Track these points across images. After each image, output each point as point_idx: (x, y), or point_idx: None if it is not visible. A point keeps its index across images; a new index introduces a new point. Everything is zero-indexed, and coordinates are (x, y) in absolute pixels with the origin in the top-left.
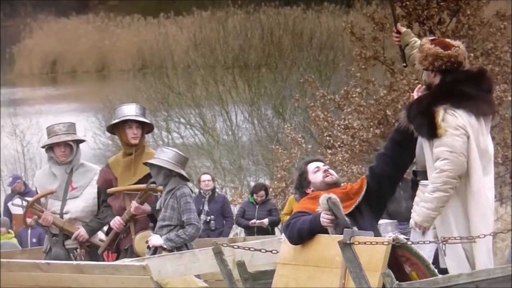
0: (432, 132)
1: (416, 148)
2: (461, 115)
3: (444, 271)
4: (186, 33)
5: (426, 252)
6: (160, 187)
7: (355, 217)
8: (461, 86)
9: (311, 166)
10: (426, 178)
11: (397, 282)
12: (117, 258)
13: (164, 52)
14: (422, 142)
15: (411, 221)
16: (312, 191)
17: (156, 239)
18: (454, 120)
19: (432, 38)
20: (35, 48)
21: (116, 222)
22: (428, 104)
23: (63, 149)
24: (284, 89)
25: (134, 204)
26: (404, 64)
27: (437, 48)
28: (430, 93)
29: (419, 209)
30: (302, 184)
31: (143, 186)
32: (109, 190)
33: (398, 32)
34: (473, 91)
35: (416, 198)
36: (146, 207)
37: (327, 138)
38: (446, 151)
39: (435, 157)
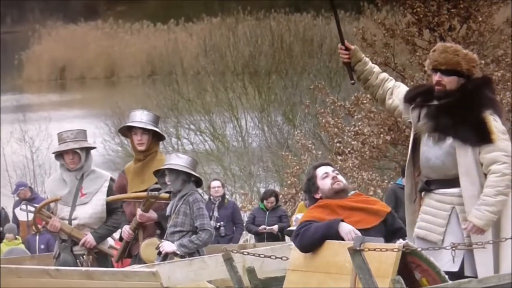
0: (484, 138)
1: (432, 157)
2: (499, 120)
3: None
4: (196, 40)
5: (445, 261)
6: (164, 195)
7: None
8: (485, 92)
9: (320, 171)
10: (442, 187)
11: None
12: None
13: (174, 58)
14: (447, 150)
15: (417, 231)
16: (321, 196)
17: (168, 245)
18: (499, 125)
19: (445, 43)
20: (44, 54)
21: (125, 232)
22: (468, 111)
23: (71, 157)
24: (294, 96)
25: (138, 211)
26: (352, 81)
27: (472, 54)
28: (462, 100)
29: (481, 214)
30: (311, 189)
31: (143, 194)
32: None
33: (347, 49)
34: (493, 97)
35: (426, 208)
36: (152, 214)
37: (337, 144)
38: (503, 155)
39: (489, 162)
